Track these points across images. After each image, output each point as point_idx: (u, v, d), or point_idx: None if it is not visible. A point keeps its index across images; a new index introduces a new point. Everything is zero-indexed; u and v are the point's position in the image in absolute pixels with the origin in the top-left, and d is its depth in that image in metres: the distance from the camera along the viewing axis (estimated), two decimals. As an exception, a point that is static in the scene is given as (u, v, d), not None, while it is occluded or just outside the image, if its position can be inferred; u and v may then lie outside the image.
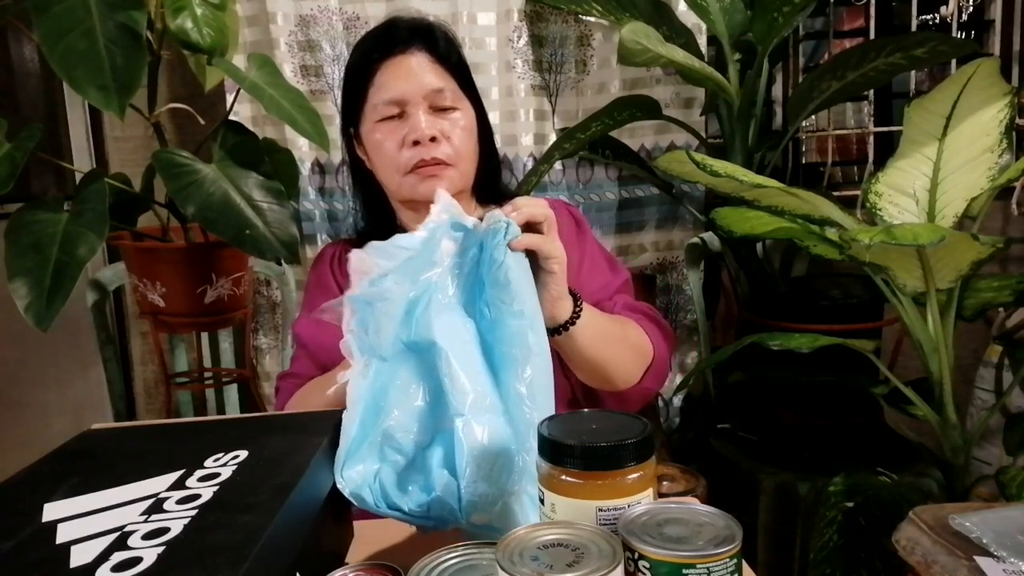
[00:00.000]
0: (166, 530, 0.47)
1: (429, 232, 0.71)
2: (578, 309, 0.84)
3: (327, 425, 0.65)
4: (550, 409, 0.66)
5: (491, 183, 1.11)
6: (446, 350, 0.65)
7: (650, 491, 0.51)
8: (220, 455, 0.59)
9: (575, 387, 0.98)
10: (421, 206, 1.03)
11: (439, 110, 1.00)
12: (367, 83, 1.01)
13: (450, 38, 1.05)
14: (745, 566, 0.48)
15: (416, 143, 0.98)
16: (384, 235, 1.09)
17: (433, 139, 0.98)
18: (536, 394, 0.66)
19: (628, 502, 0.49)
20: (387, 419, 0.66)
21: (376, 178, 1.07)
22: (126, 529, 0.47)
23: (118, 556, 0.44)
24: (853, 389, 1.45)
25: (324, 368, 0.99)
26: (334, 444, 0.64)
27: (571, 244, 1.06)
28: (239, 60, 1.69)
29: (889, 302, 1.32)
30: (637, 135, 1.86)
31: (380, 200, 1.09)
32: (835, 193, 1.87)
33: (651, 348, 0.97)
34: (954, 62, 1.86)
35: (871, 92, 1.95)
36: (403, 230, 1.09)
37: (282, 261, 1.40)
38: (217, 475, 0.55)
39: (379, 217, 1.10)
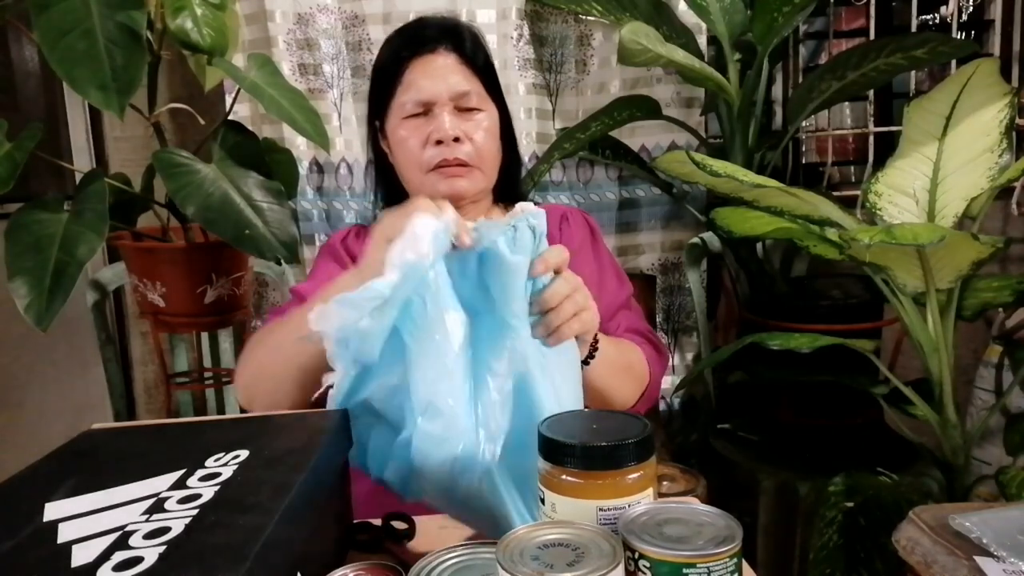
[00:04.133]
0: (167, 530, 0.47)
1: (402, 275, 0.63)
2: (595, 345, 0.84)
3: (327, 425, 0.65)
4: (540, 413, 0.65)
5: (512, 185, 1.12)
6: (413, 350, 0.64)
7: (650, 491, 0.51)
8: (221, 455, 0.59)
9: None
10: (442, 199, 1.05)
11: (464, 111, 1.02)
12: (395, 81, 1.03)
13: (478, 39, 1.07)
14: (745, 566, 0.48)
15: (439, 142, 1.00)
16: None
17: (456, 139, 1.00)
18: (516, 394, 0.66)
19: (628, 502, 0.49)
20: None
21: (397, 172, 1.08)
22: (127, 529, 0.47)
23: (119, 556, 0.44)
24: (853, 389, 1.45)
25: None
26: (334, 444, 0.64)
27: (586, 254, 1.07)
28: (239, 59, 1.69)
29: (889, 302, 1.32)
30: (637, 135, 1.86)
31: (401, 194, 1.10)
32: (835, 193, 1.87)
33: (648, 375, 0.98)
34: (954, 62, 1.86)
35: (871, 92, 1.95)
36: None
37: (282, 261, 1.40)
38: (218, 475, 0.55)
39: None
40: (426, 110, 1.01)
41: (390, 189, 1.12)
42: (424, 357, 0.64)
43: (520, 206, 0.72)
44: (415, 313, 0.65)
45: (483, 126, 1.02)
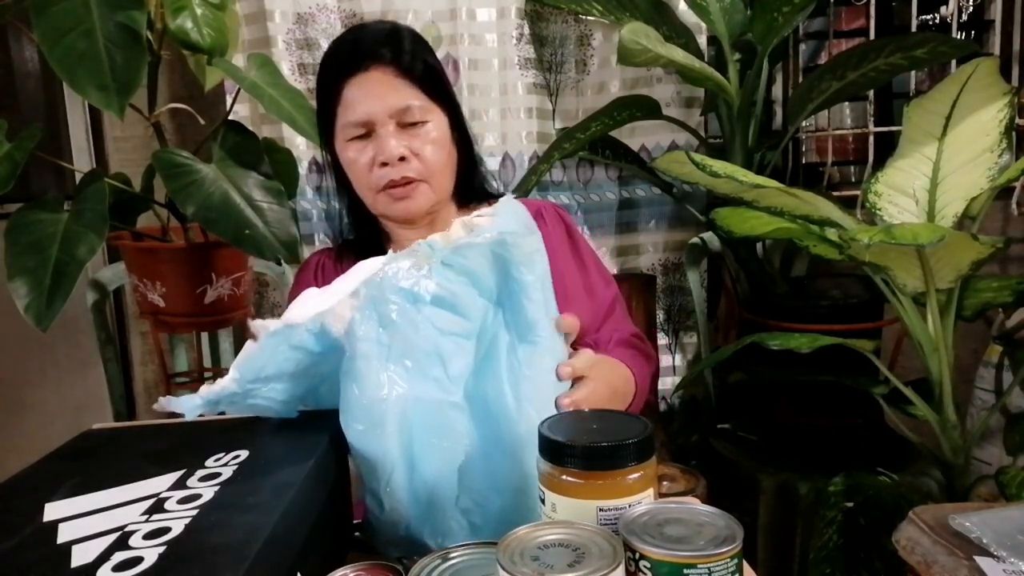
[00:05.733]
0: (167, 530, 0.47)
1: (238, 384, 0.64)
2: None
3: (327, 425, 0.65)
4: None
5: (471, 185, 1.09)
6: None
7: (651, 491, 0.51)
8: (221, 455, 0.59)
9: None
10: (397, 218, 1.04)
11: (407, 126, 0.99)
12: (335, 102, 1.00)
13: (417, 46, 1.02)
14: (745, 566, 0.48)
15: (385, 164, 0.98)
16: (370, 243, 1.08)
17: (402, 158, 0.98)
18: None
19: (629, 502, 0.49)
20: None
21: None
22: (127, 529, 0.47)
23: (119, 556, 0.44)
24: (853, 389, 1.45)
25: None
26: (334, 444, 0.64)
27: (565, 254, 1.05)
28: (239, 59, 1.69)
29: (889, 302, 1.32)
30: (637, 135, 1.86)
31: (364, 209, 1.08)
32: (835, 193, 1.87)
33: (634, 392, 0.95)
34: (954, 62, 1.86)
35: (871, 92, 1.95)
36: (388, 239, 1.09)
37: (282, 261, 1.40)
38: (218, 475, 0.55)
39: (364, 226, 1.11)
40: (368, 131, 0.99)
41: (353, 206, 1.10)
42: (361, 448, 0.64)
43: (472, 218, 0.72)
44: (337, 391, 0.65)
45: (430, 138, 0.99)
